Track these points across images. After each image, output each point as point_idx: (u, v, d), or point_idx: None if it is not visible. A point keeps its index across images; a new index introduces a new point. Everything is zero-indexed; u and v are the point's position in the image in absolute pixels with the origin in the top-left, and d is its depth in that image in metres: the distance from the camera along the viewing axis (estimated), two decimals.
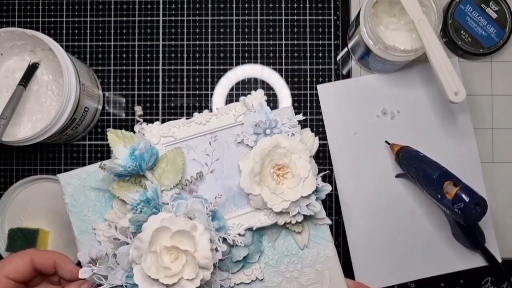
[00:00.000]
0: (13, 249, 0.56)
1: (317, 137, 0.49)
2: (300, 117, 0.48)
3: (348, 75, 0.60)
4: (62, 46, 0.52)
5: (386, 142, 0.58)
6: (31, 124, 0.54)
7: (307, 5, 0.60)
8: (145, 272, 0.40)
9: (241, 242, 0.45)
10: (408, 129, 0.58)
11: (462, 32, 0.57)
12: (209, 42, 0.60)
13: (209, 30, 0.60)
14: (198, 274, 0.41)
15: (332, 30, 0.60)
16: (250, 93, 0.49)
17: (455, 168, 0.52)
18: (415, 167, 0.53)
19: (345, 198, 0.58)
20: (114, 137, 0.45)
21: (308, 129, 0.49)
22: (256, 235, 0.47)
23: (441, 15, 0.51)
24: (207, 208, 0.44)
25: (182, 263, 0.41)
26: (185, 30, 0.60)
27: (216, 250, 0.43)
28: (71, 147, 0.60)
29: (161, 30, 0.60)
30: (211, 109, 0.54)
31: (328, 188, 0.48)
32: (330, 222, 0.49)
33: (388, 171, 0.58)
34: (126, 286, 0.42)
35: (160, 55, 0.60)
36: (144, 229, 0.41)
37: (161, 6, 0.60)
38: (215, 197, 0.46)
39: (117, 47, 0.60)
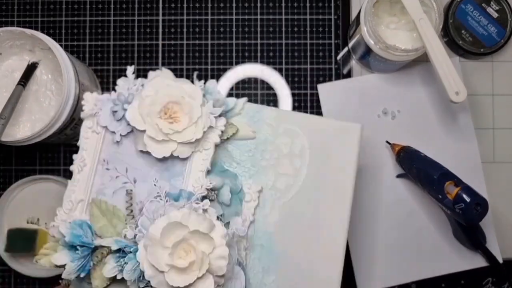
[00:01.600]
0: (12, 249, 0.56)
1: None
2: None
3: (348, 75, 0.60)
4: (61, 45, 0.52)
5: (387, 142, 0.58)
6: (30, 124, 0.54)
7: (307, 5, 0.60)
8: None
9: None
10: (409, 129, 0.58)
11: (463, 31, 0.57)
12: (209, 42, 0.60)
13: (209, 29, 0.60)
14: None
15: (333, 29, 0.60)
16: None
17: (456, 168, 0.52)
18: (415, 167, 0.53)
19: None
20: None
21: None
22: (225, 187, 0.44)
23: (441, 15, 0.51)
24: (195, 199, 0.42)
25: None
26: (184, 30, 0.60)
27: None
28: (71, 147, 0.59)
29: (160, 30, 0.59)
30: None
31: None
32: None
33: (388, 171, 0.58)
34: None
35: (160, 55, 0.60)
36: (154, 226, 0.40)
37: (160, 6, 0.60)
38: (156, 195, 0.43)
39: (117, 46, 0.60)
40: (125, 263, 0.40)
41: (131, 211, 0.43)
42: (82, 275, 0.40)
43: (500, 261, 0.57)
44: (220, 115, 0.44)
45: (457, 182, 0.50)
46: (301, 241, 0.44)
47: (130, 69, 0.44)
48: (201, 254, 0.39)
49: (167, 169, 0.44)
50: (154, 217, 0.41)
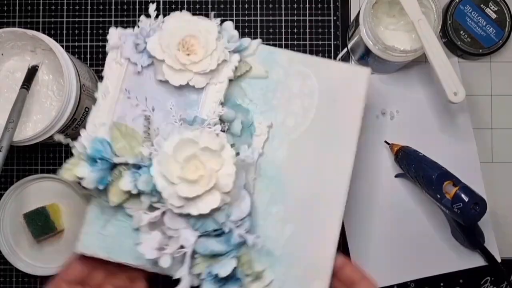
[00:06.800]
0: (37, 233, 0.56)
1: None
2: None
3: None
4: (62, 46, 0.52)
5: (386, 142, 0.58)
6: (32, 124, 0.54)
7: (307, 6, 0.60)
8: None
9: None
10: (408, 129, 0.58)
11: (461, 32, 0.57)
12: None
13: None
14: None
15: (332, 30, 0.60)
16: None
17: (455, 168, 0.52)
18: (414, 167, 0.53)
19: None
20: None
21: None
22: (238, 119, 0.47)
23: (440, 16, 0.51)
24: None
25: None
26: None
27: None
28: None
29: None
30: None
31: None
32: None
33: (387, 171, 0.58)
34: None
35: None
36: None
37: (161, 6, 0.61)
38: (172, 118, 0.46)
39: None
40: (139, 175, 0.43)
41: (148, 134, 0.46)
42: (100, 187, 0.43)
43: (499, 260, 0.57)
44: (234, 52, 0.47)
45: (456, 182, 0.50)
46: (306, 180, 0.46)
47: (152, 7, 0.47)
48: (210, 170, 0.42)
49: (183, 100, 0.47)
50: (169, 137, 0.44)
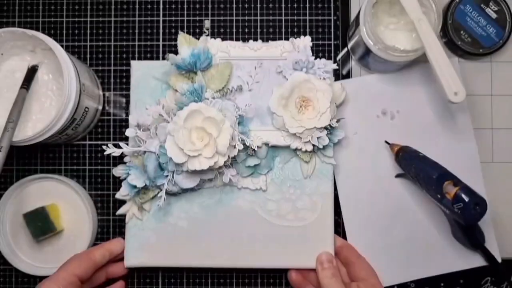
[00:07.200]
0: (37, 233, 0.56)
1: (345, 92, 0.57)
2: (334, 66, 0.56)
3: (348, 75, 0.60)
4: (62, 46, 0.52)
5: (386, 142, 0.58)
6: (31, 124, 0.54)
7: (307, 5, 0.60)
8: (175, 142, 0.51)
9: (254, 149, 0.54)
10: (408, 129, 0.58)
11: (461, 32, 0.57)
12: None
13: (209, 30, 0.60)
14: (214, 156, 0.51)
15: (332, 30, 0.60)
16: (299, 36, 0.58)
17: (455, 168, 0.52)
18: (414, 167, 0.53)
19: (345, 198, 0.58)
20: (182, 39, 0.56)
21: (338, 83, 0.57)
22: (271, 152, 0.56)
23: (440, 15, 0.51)
24: (237, 112, 0.54)
25: (205, 143, 0.51)
26: (185, 31, 0.60)
27: (234, 147, 0.53)
28: (71, 147, 0.60)
29: (161, 30, 0.60)
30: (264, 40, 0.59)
31: (341, 133, 0.55)
32: (335, 162, 0.56)
33: (388, 171, 0.58)
34: (157, 154, 0.53)
35: (160, 55, 0.60)
36: (184, 109, 0.51)
37: (161, 6, 0.61)
38: (245, 105, 0.55)
39: (117, 47, 0.60)
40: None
41: (228, 92, 0.56)
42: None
43: (499, 260, 0.57)
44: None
45: (456, 182, 0.50)
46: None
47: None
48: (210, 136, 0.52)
49: (265, 114, 0.56)
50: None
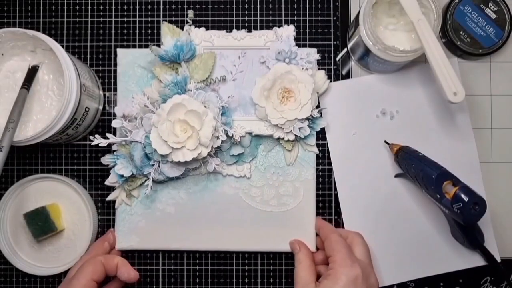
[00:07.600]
0: (37, 233, 0.56)
1: (328, 81, 0.58)
2: (317, 56, 0.57)
3: (347, 76, 0.60)
4: (62, 46, 0.52)
5: (385, 142, 0.58)
6: (32, 124, 0.54)
7: (307, 6, 0.60)
8: (159, 134, 0.52)
9: (238, 138, 0.55)
10: (407, 129, 0.59)
11: (461, 32, 0.57)
12: None
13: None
14: (197, 147, 0.53)
15: (332, 30, 0.60)
16: (282, 26, 0.58)
17: (454, 168, 0.52)
18: (414, 167, 0.53)
19: (345, 198, 0.58)
20: (165, 28, 0.57)
21: (322, 71, 0.58)
22: (255, 141, 0.58)
23: (440, 16, 0.51)
24: (219, 103, 0.55)
25: (188, 136, 0.53)
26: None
27: (218, 137, 0.54)
28: (72, 147, 0.60)
29: (161, 31, 0.60)
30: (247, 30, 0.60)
31: (323, 122, 0.57)
32: (317, 151, 0.58)
33: (387, 171, 0.58)
34: (143, 143, 0.54)
35: None
36: (167, 102, 0.53)
37: (161, 7, 0.61)
38: (228, 97, 0.55)
39: (118, 47, 0.60)
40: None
41: (211, 83, 0.57)
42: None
43: (498, 260, 0.57)
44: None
45: (455, 181, 0.50)
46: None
47: None
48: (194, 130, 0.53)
49: (247, 104, 0.57)
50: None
